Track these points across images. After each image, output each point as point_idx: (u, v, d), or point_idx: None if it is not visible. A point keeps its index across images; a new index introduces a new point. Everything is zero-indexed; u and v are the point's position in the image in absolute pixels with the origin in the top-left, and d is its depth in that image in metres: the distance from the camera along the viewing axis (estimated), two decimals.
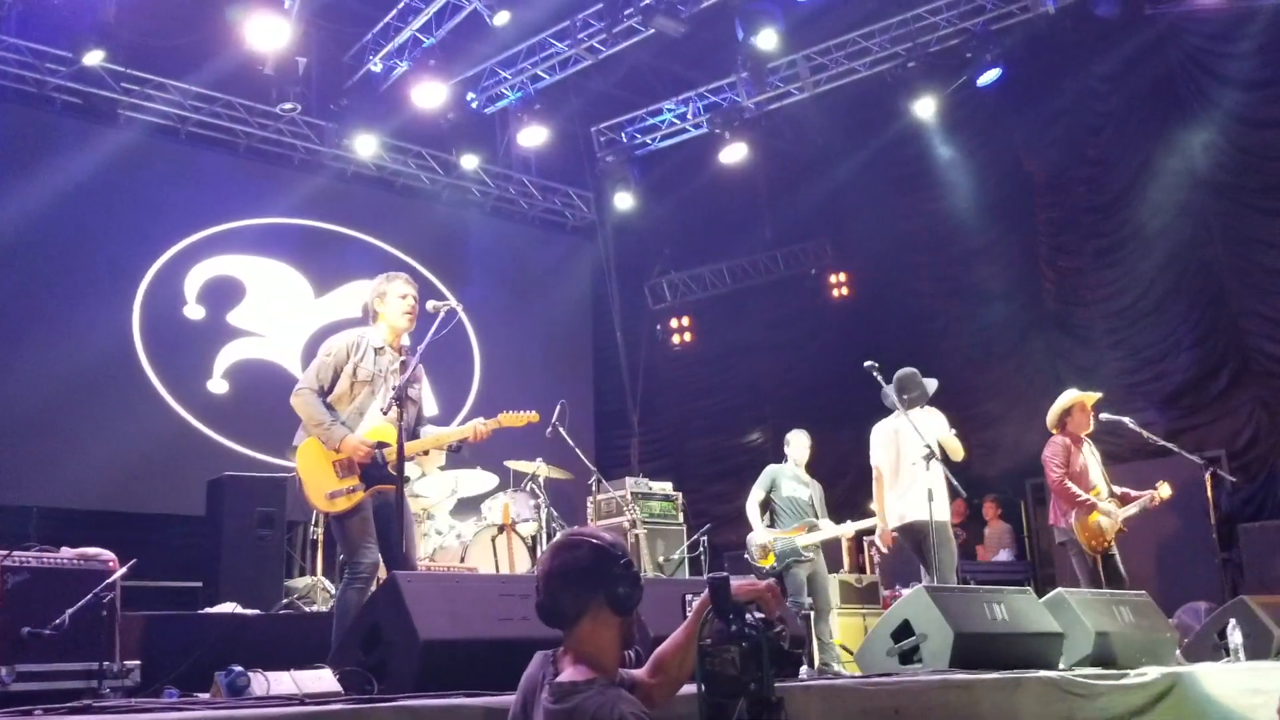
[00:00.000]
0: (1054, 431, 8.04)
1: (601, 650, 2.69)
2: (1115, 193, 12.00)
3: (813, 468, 8.72)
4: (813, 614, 8.09)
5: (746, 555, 8.48)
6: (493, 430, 5.62)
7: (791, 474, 8.50)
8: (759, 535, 8.27)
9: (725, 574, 2.56)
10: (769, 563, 8.15)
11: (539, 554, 8.42)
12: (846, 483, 13.53)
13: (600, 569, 2.69)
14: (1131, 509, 7.81)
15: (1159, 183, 11.69)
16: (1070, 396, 8.10)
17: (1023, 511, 12.36)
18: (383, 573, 5.25)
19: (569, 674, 2.61)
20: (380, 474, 5.31)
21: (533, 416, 6.02)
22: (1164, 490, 7.82)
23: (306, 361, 6.30)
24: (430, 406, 12.66)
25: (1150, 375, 11.69)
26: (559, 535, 2.84)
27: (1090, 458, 8.01)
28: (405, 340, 5.74)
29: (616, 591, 2.67)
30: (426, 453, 7.18)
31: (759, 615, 2.49)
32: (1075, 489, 7.68)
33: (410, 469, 7.93)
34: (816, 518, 8.37)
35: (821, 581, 8.26)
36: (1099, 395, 8.19)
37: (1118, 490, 7.95)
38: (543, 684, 2.65)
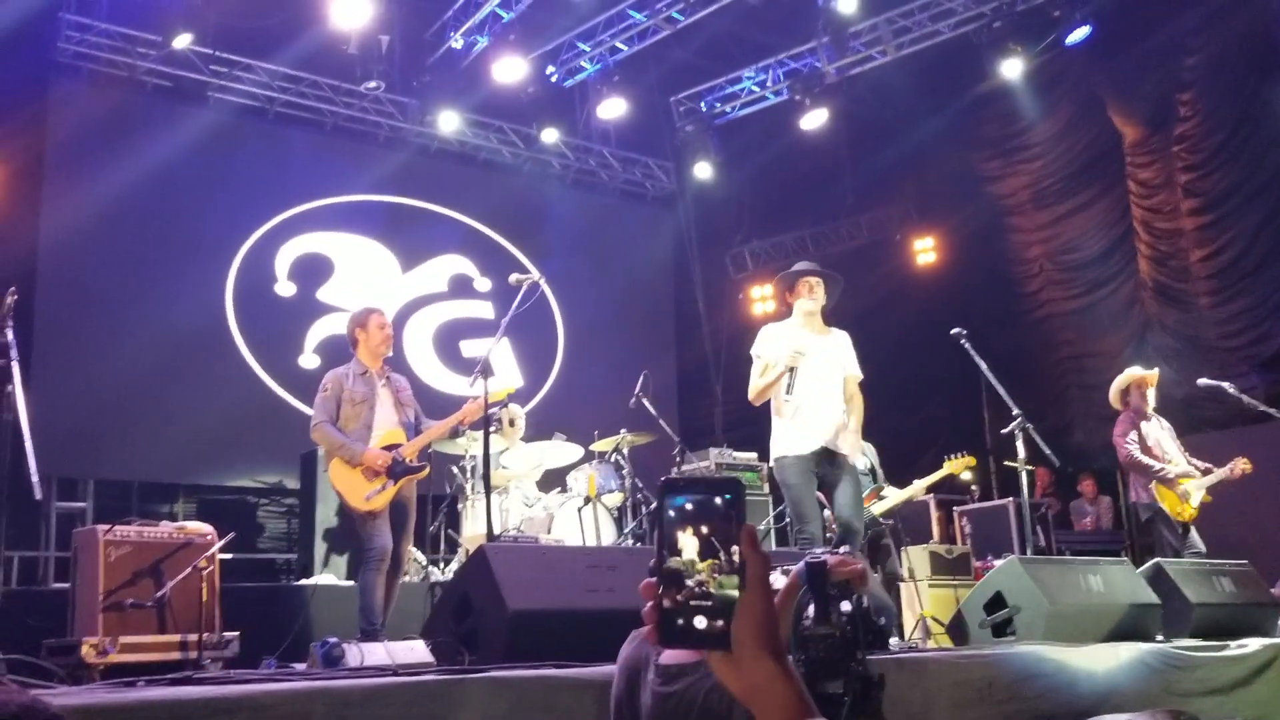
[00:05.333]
0: (1119, 409, 7.96)
1: None
2: (1211, 150, 11.62)
3: (898, 436, 8.61)
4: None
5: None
6: (481, 408, 6.34)
7: None
8: None
9: (823, 558, 2.51)
10: None
11: (625, 525, 8.45)
12: (936, 449, 13.38)
13: None
14: (1208, 480, 7.70)
15: (1257, 138, 11.31)
16: (1127, 375, 8.11)
17: (1118, 480, 12.11)
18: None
19: (673, 655, 2.56)
20: (403, 469, 6.19)
21: (509, 389, 6.98)
22: (1241, 465, 7.71)
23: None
24: (515, 377, 12.77)
25: (1252, 338, 11.36)
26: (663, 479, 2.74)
27: (1161, 431, 7.92)
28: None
29: None
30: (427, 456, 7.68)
31: (852, 594, 2.45)
32: (1148, 460, 7.64)
33: (496, 442, 8.04)
34: (880, 483, 8.30)
35: (890, 550, 8.24)
36: (1155, 372, 8.09)
37: (1199, 464, 7.80)
38: (647, 665, 2.60)
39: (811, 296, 6.51)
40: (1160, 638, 5.71)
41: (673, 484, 1.25)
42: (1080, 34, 11.44)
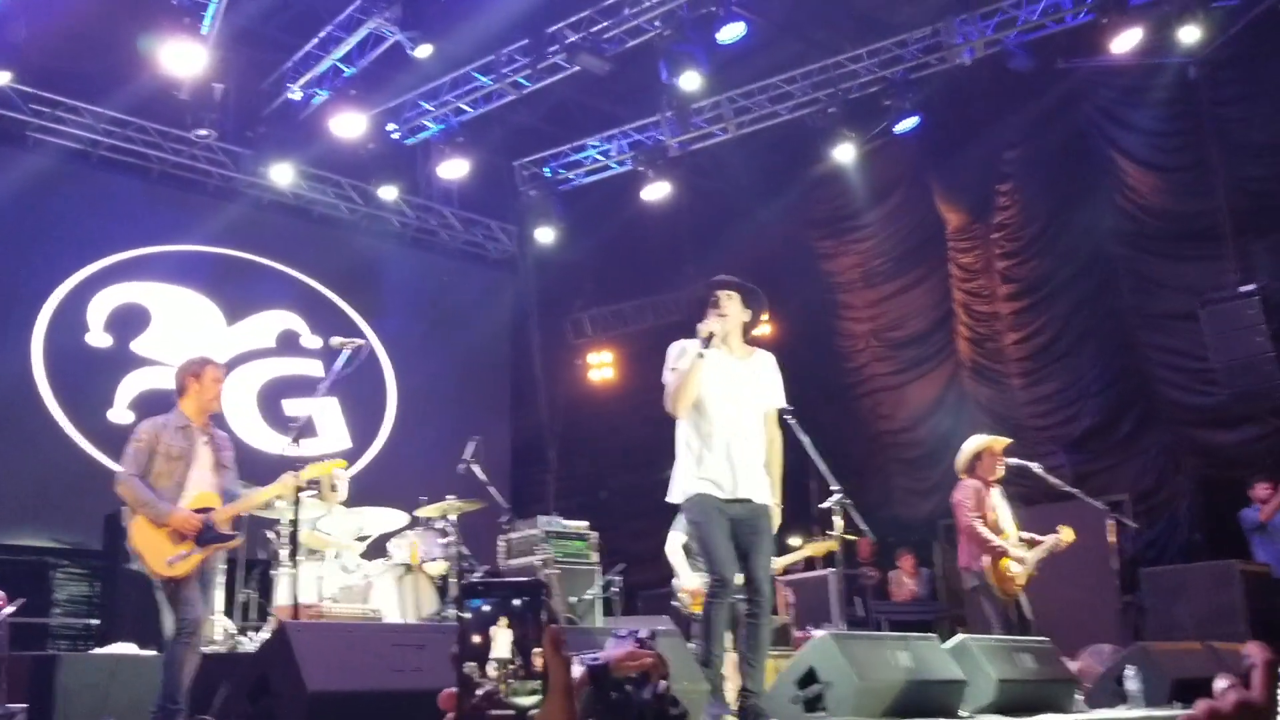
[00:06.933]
0: (963, 476, 8.08)
1: None
2: (1027, 240, 12.26)
3: None
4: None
5: (675, 603, 8.35)
6: (300, 483, 6.09)
7: None
8: (689, 580, 8.03)
9: (603, 659, 2.49)
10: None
11: (448, 594, 8.28)
12: None
13: None
14: (1038, 553, 7.89)
15: (1069, 230, 11.98)
16: (979, 441, 8.12)
17: (936, 553, 12.48)
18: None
19: None
20: (213, 536, 5.80)
21: (339, 463, 6.61)
22: (1067, 535, 7.92)
23: None
24: (343, 439, 12.49)
25: (1059, 419, 11.92)
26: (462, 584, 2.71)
27: (1000, 502, 8.07)
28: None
29: None
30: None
31: (648, 683, 2.43)
32: (988, 534, 7.68)
33: (316, 506, 7.82)
34: None
35: None
36: (1008, 440, 8.26)
37: (1024, 535, 8.02)
38: None
39: (719, 311, 5.46)
40: (964, 713, 5.87)
41: (472, 588, 1.24)
42: (909, 124, 11.93)
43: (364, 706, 3.89)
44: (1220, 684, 4.29)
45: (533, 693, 1.19)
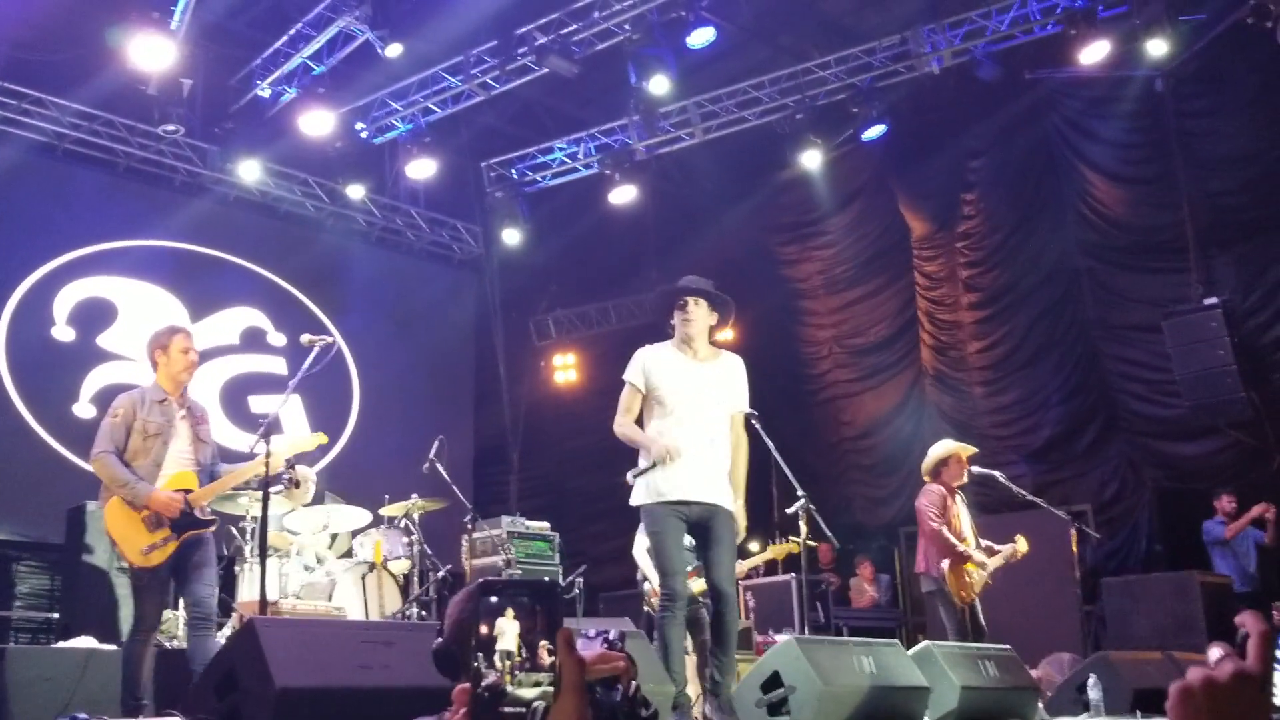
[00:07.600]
0: (927, 480, 8.14)
1: None
2: (990, 249, 12.36)
3: None
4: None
5: (646, 607, 8.36)
6: (283, 458, 5.88)
7: None
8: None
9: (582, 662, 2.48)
10: None
11: (411, 593, 8.26)
12: None
13: None
14: (996, 561, 7.95)
15: (1033, 241, 12.08)
16: (946, 447, 8.18)
17: (896, 559, 12.56)
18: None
19: None
20: (189, 521, 5.51)
21: (321, 438, 6.33)
22: (1022, 545, 7.98)
23: None
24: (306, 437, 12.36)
25: (1021, 429, 12.01)
26: (478, 581, 2.68)
27: (962, 509, 8.12)
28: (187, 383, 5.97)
29: None
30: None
31: (616, 685, 2.44)
32: (952, 539, 7.73)
33: (281, 504, 7.75)
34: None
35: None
36: (974, 449, 8.32)
37: (984, 543, 8.09)
38: None
39: (685, 315, 5.56)
40: None
41: (488, 586, 1.25)
42: (875, 131, 12.00)
43: (332, 702, 3.86)
44: (1215, 653, 4.33)
45: (536, 684, 1.20)
